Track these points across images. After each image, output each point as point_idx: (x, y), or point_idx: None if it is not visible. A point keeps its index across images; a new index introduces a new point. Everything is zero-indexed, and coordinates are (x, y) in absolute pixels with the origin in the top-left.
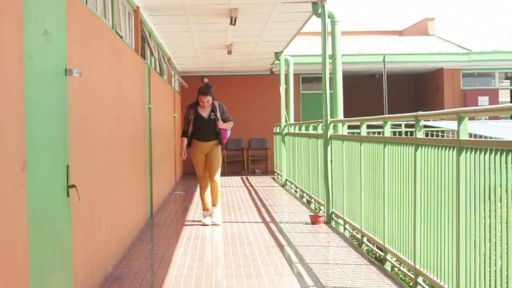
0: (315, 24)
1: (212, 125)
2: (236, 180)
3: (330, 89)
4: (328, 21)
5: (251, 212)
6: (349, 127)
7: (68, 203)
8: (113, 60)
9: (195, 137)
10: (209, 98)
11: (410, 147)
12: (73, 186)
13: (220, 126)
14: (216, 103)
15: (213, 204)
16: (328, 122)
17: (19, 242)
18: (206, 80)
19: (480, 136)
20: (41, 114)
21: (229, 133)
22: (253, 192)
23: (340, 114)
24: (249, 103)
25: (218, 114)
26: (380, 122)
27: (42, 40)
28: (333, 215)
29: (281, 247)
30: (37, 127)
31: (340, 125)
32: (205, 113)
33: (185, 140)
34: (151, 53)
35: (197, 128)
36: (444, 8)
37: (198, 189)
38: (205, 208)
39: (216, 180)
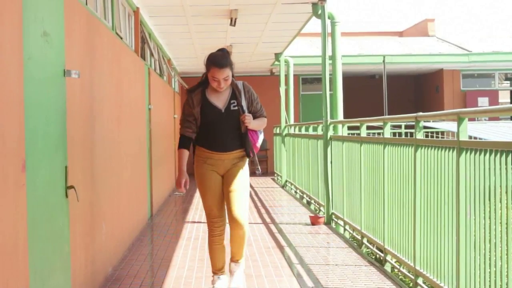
0: (315, 25)
1: (234, 123)
2: None
3: (330, 90)
4: (328, 22)
5: (251, 213)
6: (349, 128)
7: (66, 204)
8: (113, 61)
9: (203, 144)
10: (227, 74)
11: (410, 148)
12: (71, 187)
13: (249, 124)
14: (240, 84)
15: (233, 259)
16: (328, 123)
17: (20, 243)
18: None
19: (480, 139)
20: (40, 115)
21: (261, 138)
22: (253, 193)
23: (340, 115)
24: None
25: (244, 103)
26: (380, 123)
27: (42, 41)
28: (333, 216)
29: (281, 248)
30: (36, 128)
31: (340, 126)
32: (220, 100)
33: (186, 156)
34: (151, 54)
35: (207, 128)
36: (444, 9)
37: (203, 221)
38: (216, 270)
39: (242, 220)
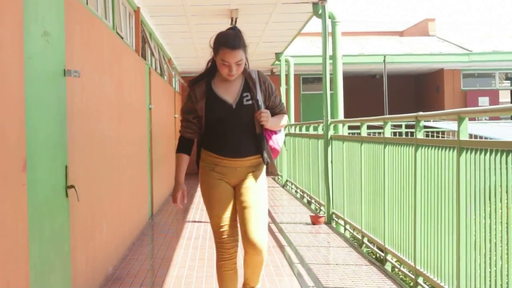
0: (315, 24)
1: (248, 121)
2: None
3: (330, 90)
4: (328, 21)
5: None
6: (350, 127)
7: (67, 203)
8: (113, 60)
9: (210, 148)
10: (241, 57)
11: (410, 147)
12: (71, 186)
13: (266, 123)
14: (254, 73)
15: (247, 285)
16: (329, 123)
17: (20, 242)
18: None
19: (480, 137)
20: (41, 115)
21: (282, 138)
22: None
23: (341, 115)
24: None
25: (260, 96)
26: (381, 123)
27: (42, 40)
28: (334, 216)
29: (281, 247)
30: (36, 127)
31: (340, 125)
32: (230, 93)
33: (184, 163)
34: (152, 54)
35: (214, 128)
36: (445, 9)
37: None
38: None
39: (260, 244)
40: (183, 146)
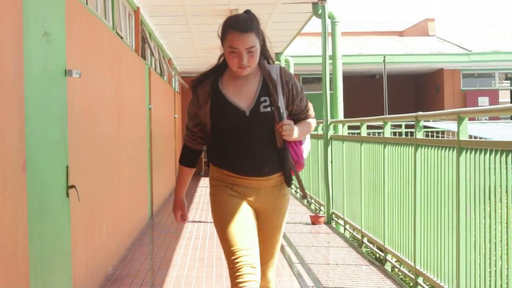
0: (315, 24)
1: (266, 131)
2: None
3: (330, 90)
4: (328, 21)
5: None
6: (349, 127)
7: (67, 203)
8: (113, 60)
9: (222, 164)
10: (252, 43)
11: (410, 147)
12: (72, 186)
13: (288, 137)
14: (275, 70)
15: None
16: (328, 123)
17: (20, 243)
18: None
19: (480, 138)
20: (41, 115)
21: (307, 148)
22: None
23: (340, 115)
24: None
25: (282, 102)
26: (380, 123)
27: (42, 41)
28: (333, 216)
29: (281, 247)
30: (37, 127)
31: (340, 125)
32: (243, 95)
33: (186, 176)
34: (152, 54)
35: (223, 139)
36: (445, 9)
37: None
38: None
39: (270, 278)
40: (185, 158)
